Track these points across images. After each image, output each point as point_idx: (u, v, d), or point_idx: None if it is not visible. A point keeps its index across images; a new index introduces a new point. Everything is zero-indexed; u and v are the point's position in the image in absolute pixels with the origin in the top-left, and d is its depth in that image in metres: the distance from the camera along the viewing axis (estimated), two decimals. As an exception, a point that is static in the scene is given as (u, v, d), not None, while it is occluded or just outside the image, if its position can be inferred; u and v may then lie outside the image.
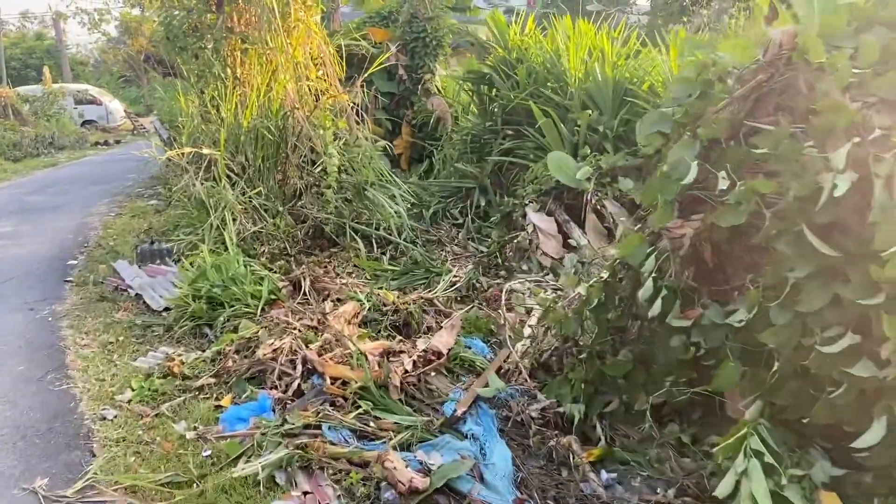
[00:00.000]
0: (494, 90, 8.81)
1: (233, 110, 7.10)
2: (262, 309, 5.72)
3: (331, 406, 4.02)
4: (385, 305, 5.44)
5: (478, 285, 6.00)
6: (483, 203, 8.29)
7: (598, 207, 6.39)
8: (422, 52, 11.68)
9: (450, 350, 4.55)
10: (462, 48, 12.58)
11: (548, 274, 6.25)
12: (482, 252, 7.25)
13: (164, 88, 19.59)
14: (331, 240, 7.40)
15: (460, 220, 8.24)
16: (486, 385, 3.99)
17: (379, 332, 5.24)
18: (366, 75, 7.65)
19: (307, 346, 4.75)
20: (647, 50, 7.87)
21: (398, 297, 5.48)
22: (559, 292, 5.05)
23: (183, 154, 6.89)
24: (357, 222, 7.61)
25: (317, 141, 7.58)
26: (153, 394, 4.47)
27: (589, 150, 6.70)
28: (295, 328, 5.03)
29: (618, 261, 3.77)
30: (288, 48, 7.61)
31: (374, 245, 7.31)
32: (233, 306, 5.70)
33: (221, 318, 5.52)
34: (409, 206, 8.09)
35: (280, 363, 4.56)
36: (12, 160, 18.49)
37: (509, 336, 4.47)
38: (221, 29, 7.46)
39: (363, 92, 8.01)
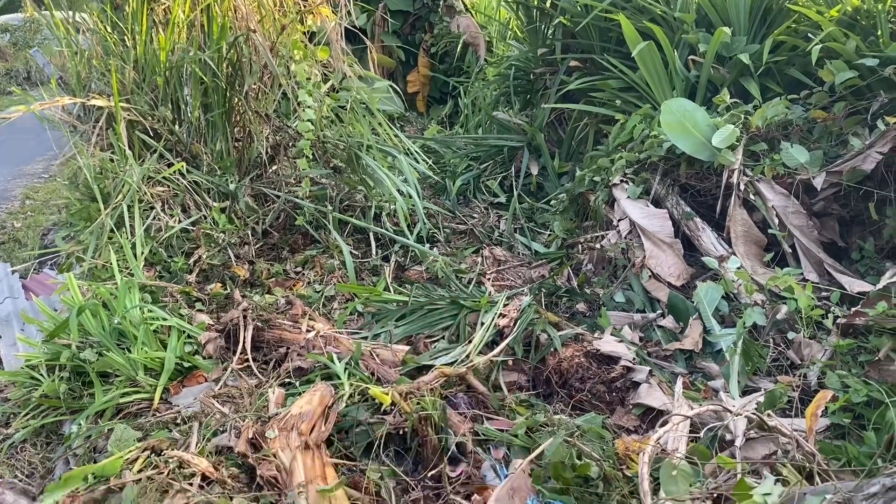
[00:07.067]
0: (551, 1, 6.02)
1: (144, 34, 4.46)
2: (166, 389, 3.26)
3: None
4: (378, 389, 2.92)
5: (543, 339, 3.43)
6: (535, 171, 5.64)
7: (750, 196, 3.73)
8: (444, -46, 8.81)
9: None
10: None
11: (663, 314, 3.66)
12: (541, 257, 4.64)
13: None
14: (308, 235, 4.84)
15: (502, 198, 5.60)
16: None
17: (367, 456, 2.76)
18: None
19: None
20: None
21: (399, 389, 2.92)
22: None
23: (64, 107, 4.32)
24: (348, 206, 5.03)
25: (285, 81, 4.93)
26: None
27: (728, 96, 3.98)
28: (193, 472, 2.53)
29: None
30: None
31: (373, 243, 4.74)
32: (112, 384, 3.24)
33: (88, 413, 3.08)
34: (425, 171, 5.46)
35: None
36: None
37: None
38: None
39: (356, 7, 5.28)
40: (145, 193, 4.23)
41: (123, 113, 4.41)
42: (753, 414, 2.25)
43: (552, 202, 5.14)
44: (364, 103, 4.98)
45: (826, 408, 2.63)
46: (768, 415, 2.26)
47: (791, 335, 3.21)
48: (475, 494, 2.49)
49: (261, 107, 5.23)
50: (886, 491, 1.53)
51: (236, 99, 5.06)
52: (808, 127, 3.85)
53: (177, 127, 4.76)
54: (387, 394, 2.79)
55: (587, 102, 5.20)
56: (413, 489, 2.62)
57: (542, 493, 2.42)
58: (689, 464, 2.11)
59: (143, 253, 4.01)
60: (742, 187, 3.68)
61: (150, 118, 4.62)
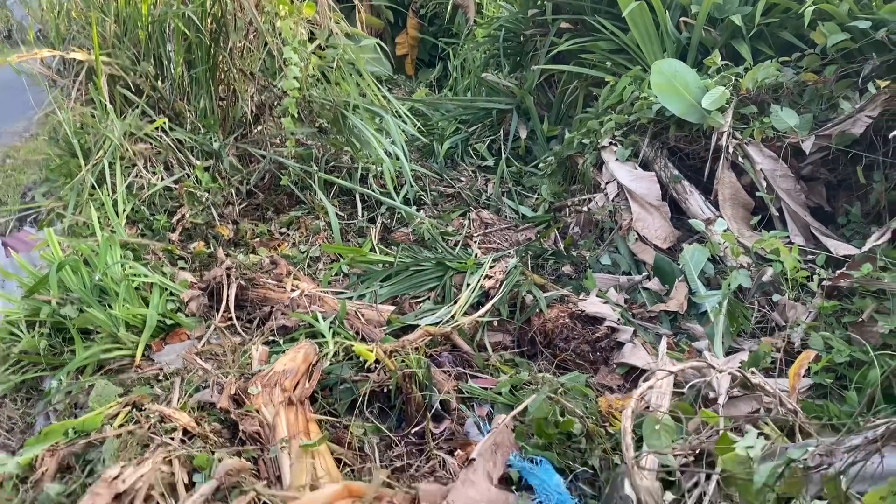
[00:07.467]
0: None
1: (125, -13, 4.36)
2: (148, 346, 3.23)
3: None
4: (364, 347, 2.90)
5: (528, 300, 3.41)
6: (524, 135, 5.59)
7: (738, 159, 3.71)
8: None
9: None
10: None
11: (648, 276, 3.65)
12: (528, 220, 4.62)
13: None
14: (293, 195, 4.78)
15: (490, 162, 5.56)
16: None
17: (351, 413, 2.75)
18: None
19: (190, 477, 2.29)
20: None
21: (384, 347, 2.91)
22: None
23: (42, 60, 4.21)
24: (334, 167, 4.97)
25: (271, 39, 4.84)
26: None
27: (720, 58, 3.94)
28: (174, 426, 2.52)
29: None
30: None
31: (359, 205, 4.69)
32: (93, 340, 3.20)
33: (69, 369, 3.04)
34: (413, 133, 5.39)
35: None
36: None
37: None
38: None
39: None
40: (127, 150, 4.15)
41: (104, 67, 4.31)
42: (737, 371, 2.25)
43: (540, 165, 5.10)
44: (352, 63, 4.89)
45: (809, 368, 2.65)
46: (752, 373, 2.26)
47: (776, 297, 3.21)
48: (458, 450, 2.50)
49: (245, 65, 5.13)
50: (868, 443, 1.53)
51: (220, 56, 4.96)
52: (798, 90, 3.81)
53: (159, 83, 4.67)
54: (371, 351, 2.78)
55: (577, 64, 5.14)
56: (396, 445, 2.62)
57: (525, 449, 2.42)
58: (672, 420, 2.11)
59: (124, 210, 3.95)
60: (731, 150, 3.66)
61: (131, 73, 4.52)
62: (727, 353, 2.93)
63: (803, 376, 2.59)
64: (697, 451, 2.11)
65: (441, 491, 2.09)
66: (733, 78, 3.80)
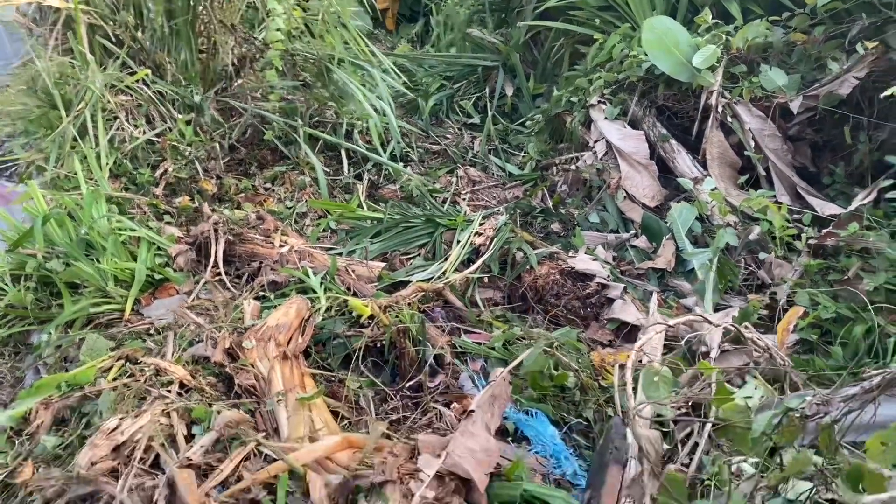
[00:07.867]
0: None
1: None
2: (137, 301, 3.20)
3: None
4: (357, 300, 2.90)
5: (519, 257, 3.43)
6: (510, 92, 5.55)
7: (727, 118, 3.73)
8: None
9: (492, 474, 2.07)
10: None
11: (636, 234, 3.69)
12: (515, 178, 4.62)
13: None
14: (276, 150, 4.72)
15: (476, 119, 5.52)
16: None
17: (345, 368, 2.77)
18: None
19: (188, 431, 2.31)
20: None
21: (378, 301, 2.91)
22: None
23: (17, 8, 4.07)
24: (319, 122, 4.90)
25: (253, -11, 4.73)
26: None
27: (710, 16, 3.92)
28: (171, 380, 2.51)
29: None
30: None
31: (345, 161, 4.64)
32: (81, 295, 3.16)
33: (57, 323, 3.00)
34: (399, 88, 5.32)
35: (126, 486, 2.10)
36: None
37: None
38: None
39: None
40: (108, 102, 4.05)
41: (83, 16, 4.18)
42: (731, 326, 2.30)
43: (527, 123, 5.09)
44: (337, 15, 4.79)
45: (796, 324, 2.71)
46: (745, 327, 2.31)
47: (762, 256, 3.26)
48: (454, 403, 2.53)
49: (225, 17, 5.00)
50: (864, 392, 1.59)
51: (200, 7, 4.83)
52: (787, 50, 3.83)
53: (139, 34, 4.54)
54: (367, 306, 2.78)
55: (565, 21, 5.09)
56: (392, 399, 2.65)
57: (520, 402, 2.46)
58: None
59: (107, 164, 3.87)
60: (720, 109, 3.68)
61: (111, 23, 4.39)
62: (715, 310, 2.98)
63: (790, 332, 2.65)
64: (691, 403, 2.16)
65: (441, 442, 2.13)
66: (724, 36, 3.80)
